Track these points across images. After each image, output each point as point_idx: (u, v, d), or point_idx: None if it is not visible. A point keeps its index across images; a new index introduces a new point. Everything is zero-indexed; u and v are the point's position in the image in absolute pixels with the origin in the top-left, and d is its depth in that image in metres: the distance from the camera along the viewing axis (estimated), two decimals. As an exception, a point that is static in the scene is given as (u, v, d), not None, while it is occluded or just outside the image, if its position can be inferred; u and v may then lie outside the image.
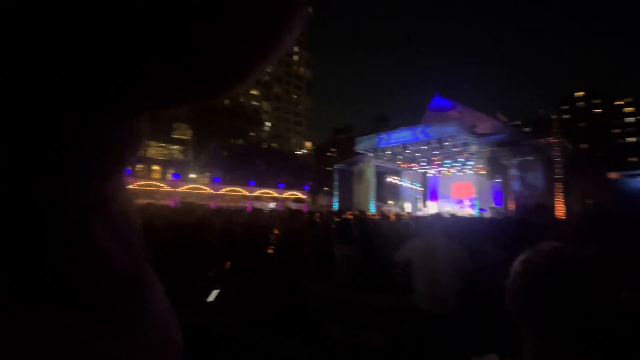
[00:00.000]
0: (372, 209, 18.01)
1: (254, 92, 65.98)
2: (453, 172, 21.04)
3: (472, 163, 17.87)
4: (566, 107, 77.81)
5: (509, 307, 0.46)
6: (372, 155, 19.00)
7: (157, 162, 35.80)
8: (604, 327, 0.38)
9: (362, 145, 18.51)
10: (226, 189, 25.54)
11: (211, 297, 1.64)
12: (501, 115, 18.37)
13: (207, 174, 37.07)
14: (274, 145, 51.28)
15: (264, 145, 45.24)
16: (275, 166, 36.50)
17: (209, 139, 35.22)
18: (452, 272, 2.60)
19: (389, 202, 19.97)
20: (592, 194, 14.93)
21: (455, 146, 16.48)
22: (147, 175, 33.15)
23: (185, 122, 35.87)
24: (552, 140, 13.52)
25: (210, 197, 24.20)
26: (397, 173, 21.63)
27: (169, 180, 27.38)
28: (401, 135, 16.60)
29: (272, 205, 29.23)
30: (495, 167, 14.92)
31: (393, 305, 2.73)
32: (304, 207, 29.23)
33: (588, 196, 14.78)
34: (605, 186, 15.87)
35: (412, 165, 21.12)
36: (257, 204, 28.38)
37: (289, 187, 31.55)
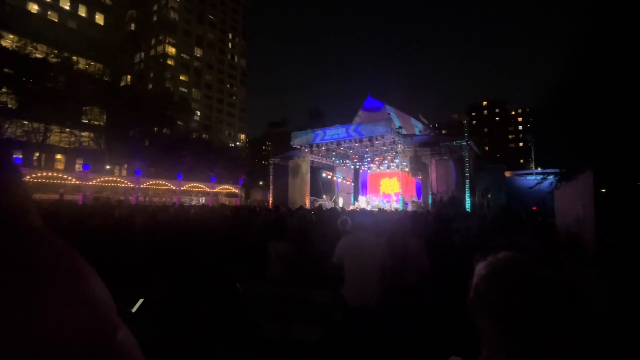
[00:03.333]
0: (307, 203, 18.30)
1: (182, 77, 60.94)
2: (382, 169, 22.56)
3: (398, 161, 19.41)
4: (474, 113, 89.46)
5: (475, 306, 0.51)
6: (307, 150, 19.24)
7: (61, 151, 30.76)
8: (557, 315, 0.47)
9: (297, 140, 18.61)
10: (149, 183, 23.20)
11: (135, 308, 1.49)
12: (423, 118, 20.29)
13: (126, 166, 33.19)
14: (205, 136, 48.22)
15: (194, 136, 42.23)
16: (206, 158, 34.39)
17: (127, 125, 31.47)
18: (377, 267, 2.77)
19: (323, 196, 20.52)
20: (491, 189, 17.50)
21: (384, 145, 17.67)
22: (50, 165, 28.29)
23: (98, 105, 31.42)
24: (463, 142, 15.44)
25: (128, 191, 21.74)
26: (331, 168, 22.31)
27: (78, 171, 23.80)
28: (336, 132, 17.15)
29: (202, 200, 27.57)
30: (417, 165, 16.44)
31: (325, 299, 2.83)
32: (237, 202, 28.21)
33: (488, 192, 17.29)
34: (501, 183, 18.76)
35: (346, 161, 22.02)
36: (186, 199, 26.46)
37: (221, 181, 30.09)
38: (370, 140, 16.56)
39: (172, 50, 59.75)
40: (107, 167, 30.70)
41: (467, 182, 15.00)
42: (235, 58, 71.70)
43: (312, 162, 20.00)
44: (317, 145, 18.59)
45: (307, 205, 17.30)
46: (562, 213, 6.65)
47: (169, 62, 59.20)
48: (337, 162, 21.91)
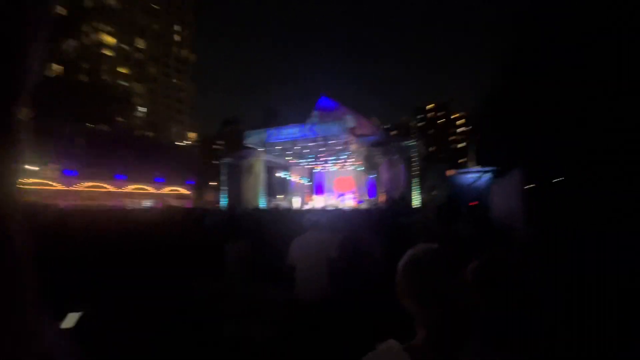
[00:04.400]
0: (262, 203, 17.98)
1: (122, 70, 56.10)
2: (337, 168, 23.00)
3: (353, 160, 19.96)
4: (421, 115, 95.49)
5: (403, 291, 0.57)
6: (262, 149, 18.90)
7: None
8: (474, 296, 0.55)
9: (251, 139, 18.19)
10: (85, 185, 20.99)
11: (69, 323, 1.31)
12: (375, 119, 21.13)
13: (57, 166, 29.67)
14: (150, 133, 44.94)
15: (137, 133, 39.14)
16: (152, 158, 32.06)
17: (57, 121, 28.14)
18: (327, 264, 2.86)
19: (278, 196, 20.32)
20: (436, 187, 18.81)
21: (338, 144, 18.03)
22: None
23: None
24: (411, 143, 16.37)
25: (58, 195, 19.47)
26: (286, 168, 22.18)
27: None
28: (291, 131, 17.08)
29: (149, 203, 25.66)
30: (370, 164, 17.06)
31: (281, 296, 2.83)
32: (187, 204, 26.74)
33: (434, 189, 18.56)
34: (444, 181, 20.25)
35: (301, 160, 22.05)
36: (129, 202, 24.41)
37: (169, 182, 28.28)
38: (324, 139, 16.78)
39: (110, 39, 54.70)
40: (33, 168, 27.15)
41: (415, 180, 15.93)
42: (183, 52, 67.93)
43: (267, 161, 19.70)
44: (272, 145, 18.35)
45: (262, 206, 17.01)
46: (498, 206, 7.38)
47: (107, 52, 54.10)
48: (292, 161, 21.86)
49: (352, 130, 16.62)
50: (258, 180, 19.25)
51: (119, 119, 36.60)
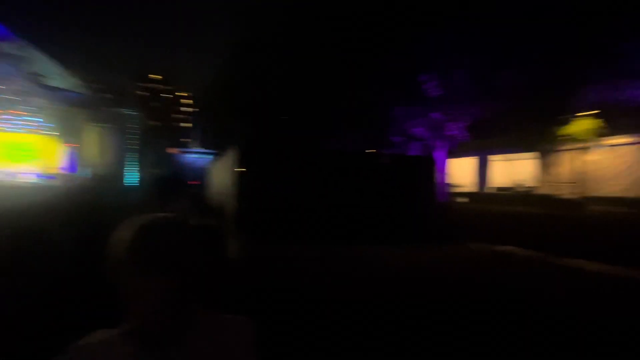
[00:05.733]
0: None
1: None
2: (9, 128, 15.86)
3: (41, 120, 14.57)
4: (145, 85, 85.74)
5: (125, 263, 0.49)
6: None
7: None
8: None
9: None
10: None
11: None
12: (83, 74, 16.45)
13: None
14: None
15: None
16: None
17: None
18: None
19: None
20: (159, 164, 17.93)
21: (11, 92, 12.56)
22: None
23: None
24: (131, 112, 14.48)
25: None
26: None
27: None
28: None
29: None
30: (70, 129, 13.30)
31: None
32: None
33: (155, 165, 17.58)
34: (167, 158, 19.70)
35: None
36: None
37: None
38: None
39: None
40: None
41: (133, 155, 14.34)
42: None
43: None
44: None
45: None
46: (215, 184, 8.29)
47: None
48: None
49: (38, 78, 12.15)
50: None
51: None
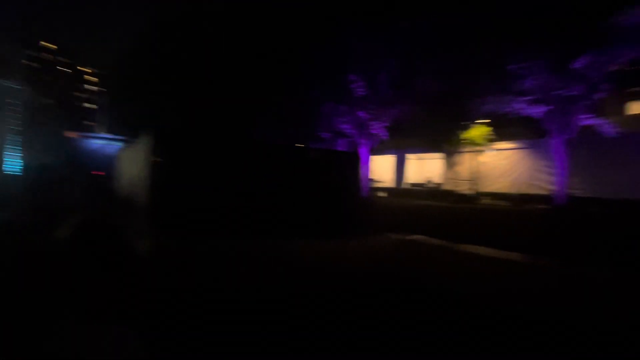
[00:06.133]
0: None
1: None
2: None
3: None
4: (33, 54, 70.95)
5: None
6: None
7: None
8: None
9: None
10: None
11: None
12: None
13: None
14: None
15: None
16: None
17: None
18: None
19: None
20: (51, 148, 15.13)
21: None
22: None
23: None
24: (16, 86, 11.89)
25: None
26: None
27: None
28: None
29: None
30: None
31: None
32: None
33: (48, 150, 14.81)
34: (65, 143, 16.76)
35: None
36: None
37: None
38: None
39: None
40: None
41: (14, 137, 11.86)
42: None
43: None
44: None
45: None
46: (123, 173, 7.35)
47: None
48: None
49: None
50: None
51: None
